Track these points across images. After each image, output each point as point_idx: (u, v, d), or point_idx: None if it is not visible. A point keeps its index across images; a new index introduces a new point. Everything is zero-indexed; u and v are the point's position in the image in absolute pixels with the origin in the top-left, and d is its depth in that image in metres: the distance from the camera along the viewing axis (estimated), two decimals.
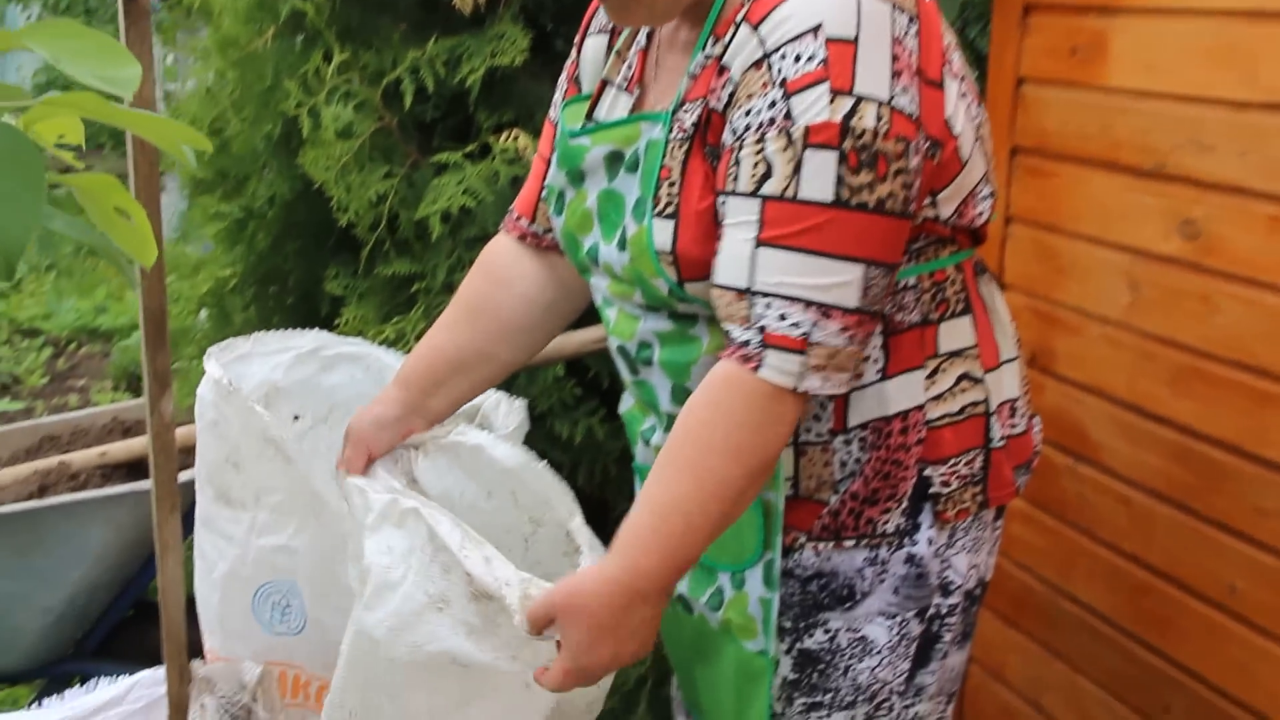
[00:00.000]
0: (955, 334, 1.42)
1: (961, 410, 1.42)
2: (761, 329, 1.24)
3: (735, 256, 1.26)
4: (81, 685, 2.12)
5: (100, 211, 0.94)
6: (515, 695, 1.43)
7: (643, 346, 1.45)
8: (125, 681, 1.74)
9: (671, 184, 1.34)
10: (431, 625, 1.37)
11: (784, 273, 1.23)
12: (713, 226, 1.30)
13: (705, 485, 1.27)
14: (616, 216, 1.42)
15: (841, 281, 1.23)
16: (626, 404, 1.61)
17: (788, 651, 1.47)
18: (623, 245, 1.40)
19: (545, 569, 1.60)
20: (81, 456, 2.27)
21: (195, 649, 1.81)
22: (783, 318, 1.23)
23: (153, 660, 2.23)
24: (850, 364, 1.27)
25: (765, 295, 1.24)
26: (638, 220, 1.37)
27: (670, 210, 1.33)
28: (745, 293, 1.25)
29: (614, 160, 1.43)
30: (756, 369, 1.25)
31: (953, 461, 1.42)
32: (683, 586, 1.56)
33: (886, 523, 1.41)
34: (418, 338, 2.22)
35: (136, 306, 2.85)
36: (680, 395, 1.43)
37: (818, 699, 1.47)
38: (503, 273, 1.62)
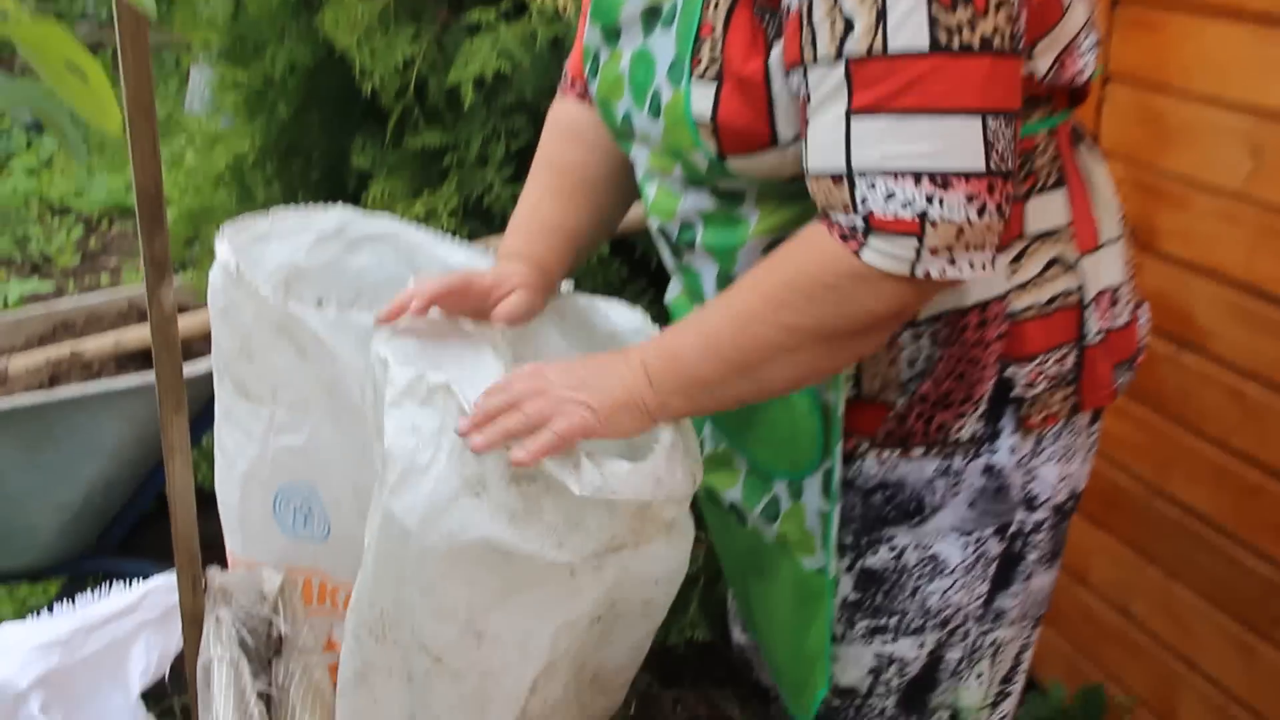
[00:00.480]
0: (1046, 211, 1.25)
1: (1051, 301, 1.26)
2: (867, 215, 1.08)
3: (826, 136, 1.09)
4: (105, 584, 2.03)
5: (49, 68, 0.77)
6: (560, 586, 1.30)
7: (684, 228, 1.31)
8: (139, 588, 1.63)
9: (713, 43, 1.16)
10: (468, 511, 1.23)
11: (886, 143, 1.06)
12: (759, 94, 1.13)
13: (764, 342, 1.14)
14: (648, 80, 1.25)
15: (957, 142, 1.05)
16: (673, 292, 1.46)
17: (849, 569, 1.34)
18: (656, 113, 1.24)
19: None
20: (95, 344, 2.14)
21: (217, 544, 1.69)
22: (890, 197, 1.07)
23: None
24: (988, 239, 1.09)
25: (867, 174, 1.07)
26: (674, 84, 1.21)
27: (711, 73, 1.16)
28: (844, 177, 1.09)
29: (651, 16, 1.25)
30: (859, 251, 1.09)
31: (1040, 360, 1.26)
32: (735, 494, 1.41)
33: (961, 429, 1.26)
34: (450, 214, 2.08)
35: (170, 184, 2.70)
36: (725, 281, 1.28)
37: (881, 622, 1.34)
38: (591, 135, 1.44)
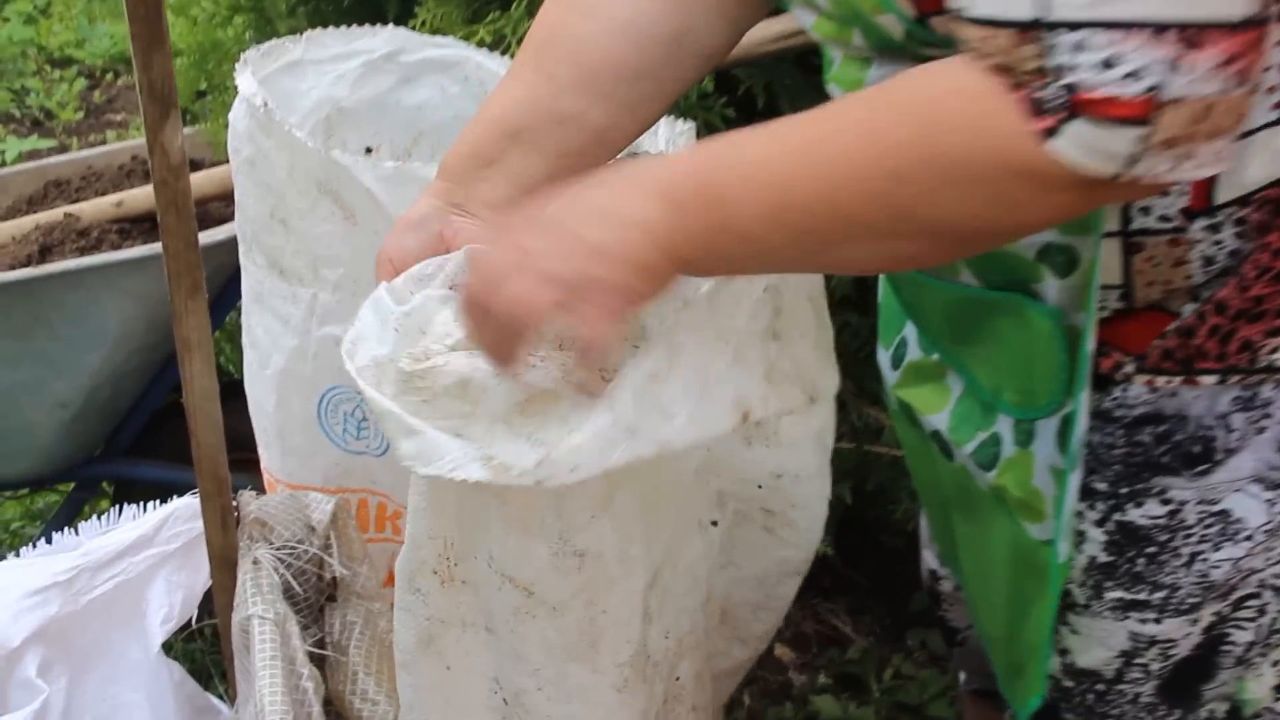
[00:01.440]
0: None
1: None
2: (1070, 86, 0.76)
3: None
4: (115, 502, 1.74)
5: None
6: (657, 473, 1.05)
7: None
8: (155, 514, 1.32)
9: None
10: None
11: None
12: None
13: (854, 220, 0.84)
14: None
15: None
16: None
17: (1099, 523, 1.03)
18: None
19: None
20: (93, 207, 1.81)
21: (251, 445, 1.40)
22: (1108, 64, 0.75)
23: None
24: (1233, 120, 0.78)
25: (1076, 27, 0.75)
26: None
27: None
28: (1035, 27, 0.76)
29: None
30: (1047, 135, 0.77)
31: None
32: (940, 420, 1.12)
33: (1274, 350, 0.96)
34: (519, 41, 1.72)
35: (179, 30, 2.33)
36: None
37: (1141, 595, 1.04)
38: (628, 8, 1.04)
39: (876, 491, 2.01)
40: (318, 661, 1.22)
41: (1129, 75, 0.74)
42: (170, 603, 1.34)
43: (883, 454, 1.95)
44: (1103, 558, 1.03)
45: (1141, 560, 1.02)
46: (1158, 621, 1.03)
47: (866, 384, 1.82)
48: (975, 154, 0.80)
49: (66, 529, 1.33)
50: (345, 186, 1.21)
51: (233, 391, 1.35)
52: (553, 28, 1.06)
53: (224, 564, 1.19)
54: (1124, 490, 1.01)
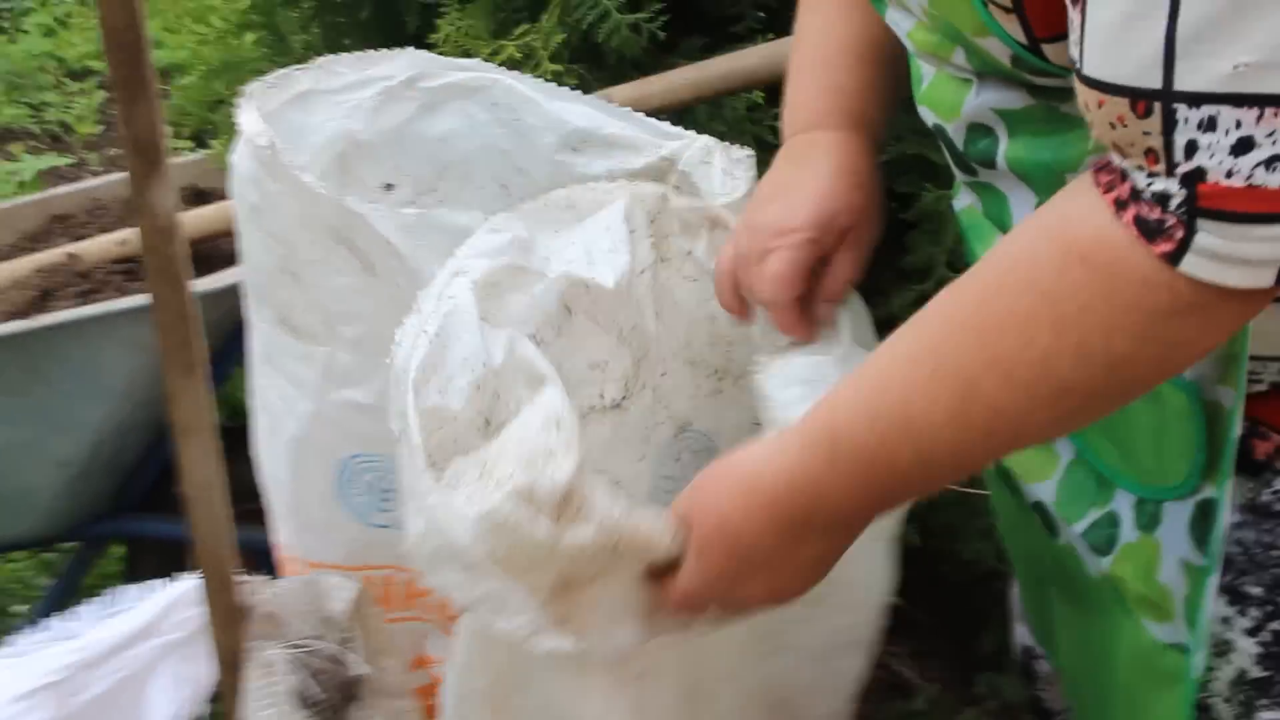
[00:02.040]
0: None
1: None
2: (1192, 174, 0.65)
3: (1125, 21, 0.65)
4: (128, 552, 1.62)
5: None
6: None
7: (977, 134, 0.89)
8: (160, 599, 1.22)
9: None
10: None
11: (1247, 33, 0.62)
12: None
13: (995, 411, 0.76)
14: None
15: None
16: (965, 200, 1.03)
17: (1253, 632, 0.89)
18: None
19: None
20: (96, 247, 1.70)
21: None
22: (1245, 146, 0.63)
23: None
24: None
25: (1204, 100, 0.64)
26: None
27: None
28: (1156, 97, 0.65)
29: None
30: (1172, 255, 0.67)
31: None
32: (1045, 491, 1.00)
33: None
34: (552, 57, 1.59)
35: (197, 38, 2.24)
36: None
37: None
38: None
39: (941, 526, 1.87)
40: None
41: (1272, 161, 0.63)
42: (177, 699, 1.23)
43: (949, 490, 1.83)
44: (1256, 672, 0.88)
45: None
46: None
47: None
48: (1118, 323, 0.71)
49: (65, 609, 1.22)
50: (362, 235, 1.09)
51: (243, 436, 1.25)
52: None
53: (231, 666, 1.07)
54: None
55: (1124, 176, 0.69)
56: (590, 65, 1.66)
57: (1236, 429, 0.82)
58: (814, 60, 1.03)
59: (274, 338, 1.19)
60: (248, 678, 1.05)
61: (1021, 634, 1.25)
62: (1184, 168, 0.65)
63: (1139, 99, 0.65)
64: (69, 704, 1.16)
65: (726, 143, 1.22)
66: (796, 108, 1.05)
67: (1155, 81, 0.64)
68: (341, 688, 1.13)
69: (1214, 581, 0.86)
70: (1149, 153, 0.66)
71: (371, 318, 1.12)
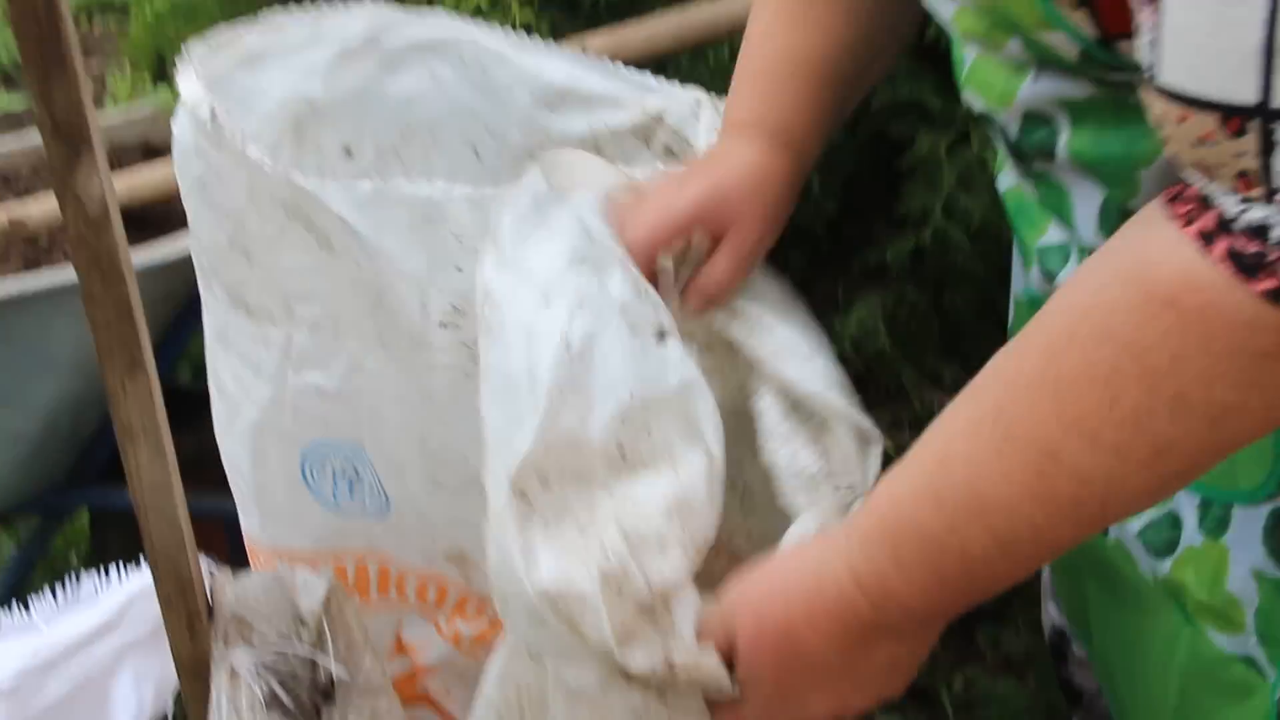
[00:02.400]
0: None
1: None
2: None
3: (1214, 24, 0.59)
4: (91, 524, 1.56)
5: None
6: None
7: (1034, 124, 0.83)
8: (118, 594, 1.16)
9: None
10: None
11: None
12: None
13: (1080, 480, 0.69)
14: None
15: None
16: (1008, 181, 0.96)
17: None
18: None
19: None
20: (42, 210, 1.61)
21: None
22: None
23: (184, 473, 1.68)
24: None
25: None
26: None
27: None
28: (1253, 113, 0.59)
29: None
30: (1277, 293, 0.61)
31: None
32: None
33: None
34: (521, 3, 1.53)
35: None
36: (1116, 218, 0.79)
37: None
38: None
39: None
40: None
41: None
42: (139, 698, 1.18)
43: None
44: None
45: None
46: None
47: (928, 363, 1.64)
48: (1220, 371, 0.64)
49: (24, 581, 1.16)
50: (316, 211, 1.02)
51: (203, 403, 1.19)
52: None
53: (194, 674, 1.01)
54: None
55: (1206, 204, 0.63)
56: (564, 12, 1.60)
57: None
58: (754, 68, 0.98)
59: (227, 317, 1.12)
60: (214, 688, 0.99)
61: (1052, 613, 1.21)
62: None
63: (1231, 115, 0.59)
64: (25, 709, 1.10)
65: (713, 94, 1.15)
66: (730, 108, 1.01)
67: (1251, 95, 0.58)
68: (314, 689, 1.08)
69: None
70: (1242, 175, 0.60)
71: (330, 297, 1.06)
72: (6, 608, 1.23)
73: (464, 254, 1.01)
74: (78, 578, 1.19)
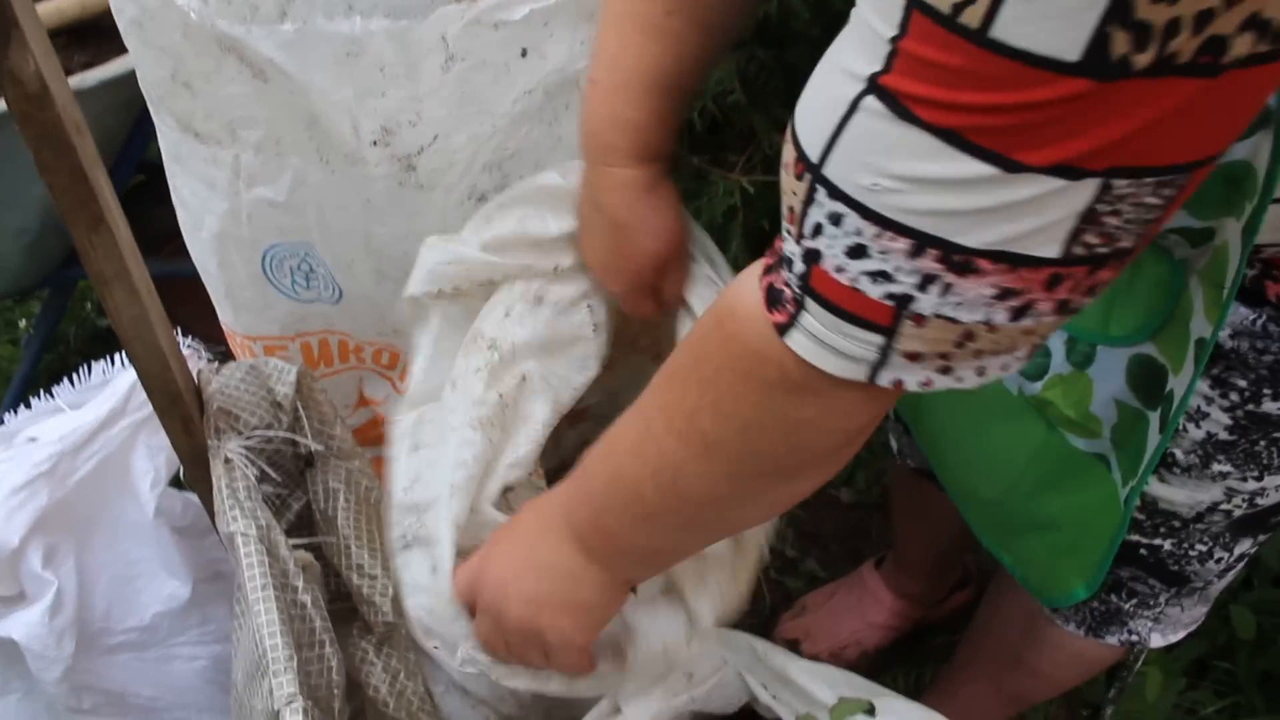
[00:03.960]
0: None
1: None
2: (811, 253, 0.63)
3: (825, 79, 0.61)
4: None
5: None
6: None
7: None
8: (120, 383, 1.30)
9: None
10: None
11: (897, 158, 0.57)
12: None
13: (700, 497, 0.79)
14: None
15: (1019, 201, 0.55)
16: None
17: (1230, 410, 0.98)
18: None
19: None
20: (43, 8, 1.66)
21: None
22: (857, 251, 0.60)
23: (160, 242, 1.80)
24: (1022, 343, 0.65)
25: (838, 195, 0.60)
26: None
27: None
28: (810, 169, 0.61)
29: None
30: (782, 327, 0.66)
31: None
32: None
33: None
34: None
35: None
36: None
37: (1251, 468, 1.02)
38: None
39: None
40: (314, 551, 1.22)
41: (877, 275, 0.60)
42: (154, 466, 1.35)
43: None
44: (1223, 436, 1.00)
45: (1263, 443, 0.99)
46: (1259, 479, 1.01)
47: (774, 111, 1.70)
48: (738, 389, 0.70)
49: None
50: (245, 50, 1.10)
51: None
52: None
53: (195, 462, 1.18)
54: (1266, 390, 0.96)
55: (774, 253, 0.67)
56: None
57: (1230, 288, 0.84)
58: (609, 86, 0.98)
59: (179, 140, 1.22)
60: (214, 475, 1.16)
61: None
62: (808, 244, 0.62)
63: (799, 161, 0.62)
64: (64, 486, 1.28)
65: None
66: (592, 134, 1.01)
67: (816, 154, 0.60)
68: (297, 460, 1.25)
69: (1155, 423, 0.94)
70: (790, 210, 0.64)
71: (270, 122, 1.16)
72: (34, 390, 1.39)
73: (387, 82, 1.11)
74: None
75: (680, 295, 1.09)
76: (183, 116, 1.19)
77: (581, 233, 1.08)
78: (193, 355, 1.21)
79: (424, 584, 1.06)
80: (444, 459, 1.08)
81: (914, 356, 0.63)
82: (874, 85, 0.56)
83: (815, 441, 0.72)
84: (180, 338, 1.16)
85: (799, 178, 0.62)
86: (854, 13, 0.58)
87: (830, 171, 0.59)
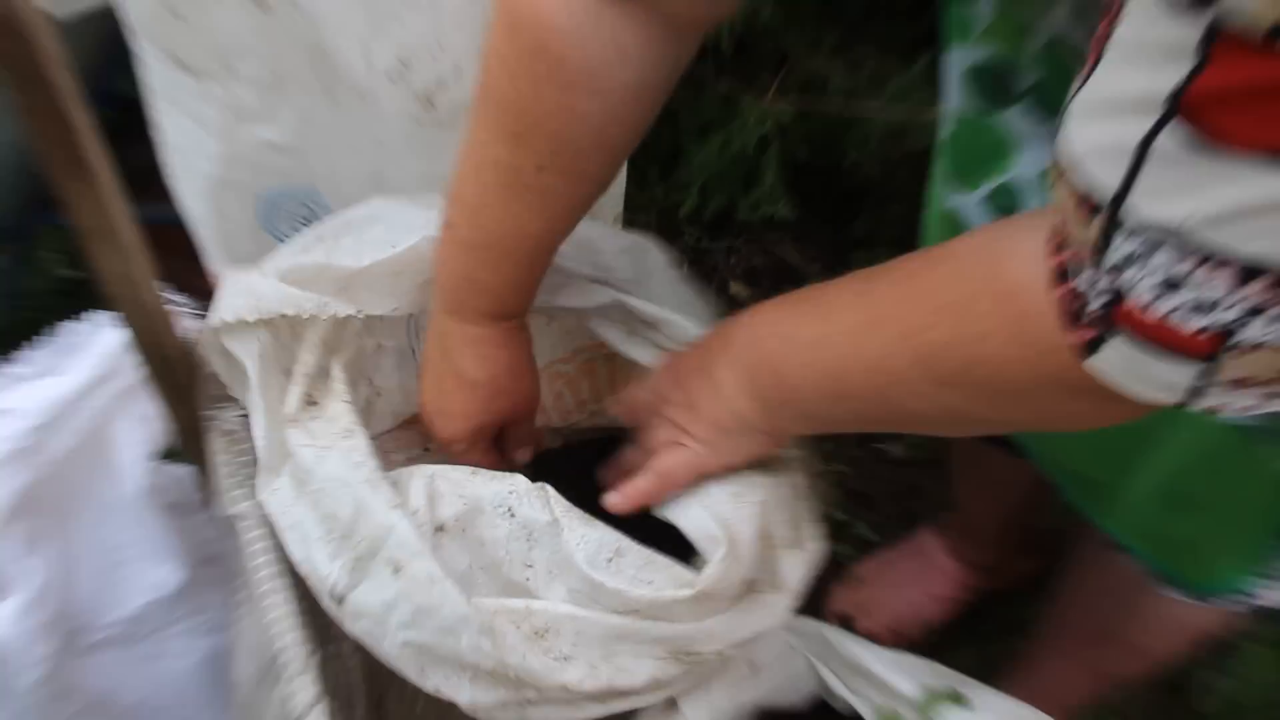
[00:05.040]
0: None
1: None
2: (1116, 292, 0.58)
3: (1102, 95, 0.56)
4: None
5: None
6: None
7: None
8: (109, 342, 1.18)
9: None
10: None
11: (1212, 188, 0.52)
12: None
13: (913, 414, 0.75)
14: None
15: None
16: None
17: None
18: None
19: None
20: None
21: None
22: (1170, 285, 0.56)
23: (139, 184, 1.69)
24: None
25: (1143, 229, 0.55)
26: None
27: None
28: (1101, 207, 0.57)
29: None
30: (1087, 350, 0.62)
31: None
32: None
33: None
34: None
35: None
36: None
37: None
38: (581, 62, 0.77)
39: (826, 146, 1.82)
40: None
41: (1197, 309, 0.56)
42: (140, 436, 1.24)
43: (828, 115, 1.74)
44: None
45: None
46: None
47: (808, 29, 1.59)
48: (1010, 366, 0.67)
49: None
50: None
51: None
52: (563, 121, 0.81)
53: (189, 433, 1.09)
54: None
55: (1063, 276, 0.63)
56: None
57: None
58: (466, 242, 0.89)
59: (168, 75, 1.11)
60: (209, 447, 1.05)
61: None
62: (1113, 280, 0.59)
63: (1086, 200, 0.58)
64: (43, 463, 1.17)
65: None
66: (444, 287, 0.93)
67: (1111, 191, 0.57)
68: None
69: None
70: (1092, 245, 0.60)
71: (270, 55, 1.05)
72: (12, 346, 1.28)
73: (404, 6, 1.00)
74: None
75: (525, 457, 1.05)
76: (170, 48, 1.07)
77: (422, 375, 0.99)
78: (184, 314, 1.10)
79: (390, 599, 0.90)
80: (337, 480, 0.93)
81: (1239, 384, 0.60)
82: (1173, 110, 0.52)
83: (1073, 424, 0.70)
84: (167, 293, 1.05)
85: (1091, 213, 0.58)
86: (1116, 38, 0.54)
87: (1133, 207, 0.56)
